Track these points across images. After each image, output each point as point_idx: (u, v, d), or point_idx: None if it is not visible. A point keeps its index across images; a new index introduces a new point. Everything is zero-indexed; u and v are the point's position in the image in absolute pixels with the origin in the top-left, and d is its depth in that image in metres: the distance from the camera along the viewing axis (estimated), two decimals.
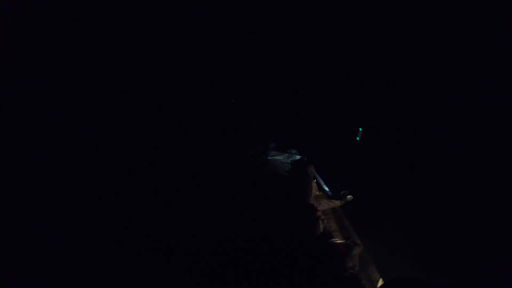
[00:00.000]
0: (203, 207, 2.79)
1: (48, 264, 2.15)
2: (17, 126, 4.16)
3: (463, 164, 2.77)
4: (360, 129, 3.34)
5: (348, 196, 3.04)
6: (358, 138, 3.40)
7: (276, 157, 3.51)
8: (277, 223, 2.56)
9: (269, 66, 4.55)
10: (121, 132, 4.14)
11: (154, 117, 4.16)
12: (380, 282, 2.49)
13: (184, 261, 2.27)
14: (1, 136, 3.92)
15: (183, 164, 3.51)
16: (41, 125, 4.18)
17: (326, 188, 3.21)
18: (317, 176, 3.34)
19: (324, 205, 3.00)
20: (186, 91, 4.55)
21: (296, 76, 4.38)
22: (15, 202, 2.76)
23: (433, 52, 2.99)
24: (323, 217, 2.81)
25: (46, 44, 4.32)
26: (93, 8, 4.26)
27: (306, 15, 4.01)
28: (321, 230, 2.64)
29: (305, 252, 2.28)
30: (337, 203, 3.03)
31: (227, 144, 3.86)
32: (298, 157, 3.55)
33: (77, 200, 2.86)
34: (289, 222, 2.58)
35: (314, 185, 3.16)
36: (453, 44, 2.82)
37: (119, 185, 3.07)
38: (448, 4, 2.66)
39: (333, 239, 2.61)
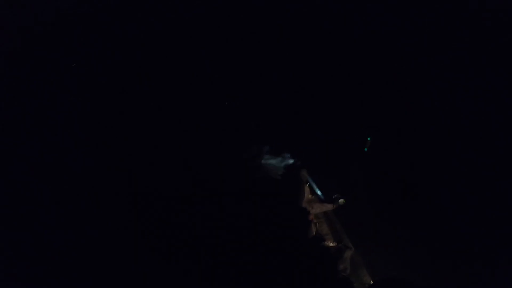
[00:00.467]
0: (202, 207, 2.79)
1: (48, 264, 2.15)
2: (17, 126, 4.16)
3: (463, 164, 2.77)
4: (369, 139, 3.36)
5: (340, 200, 3.09)
6: (366, 149, 3.44)
7: (270, 161, 3.55)
8: (270, 226, 2.56)
9: (269, 66, 4.54)
10: (121, 132, 4.14)
11: (154, 117, 4.16)
12: None
13: (184, 261, 2.27)
14: (1, 136, 3.92)
15: (183, 164, 3.51)
16: (41, 125, 4.18)
17: (319, 192, 3.25)
18: (310, 180, 3.38)
19: (317, 208, 3.04)
20: (186, 91, 4.55)
21: (296, 76, 4.38)
22: (15, 202, 2.76)
23: (433, 52, 2.99)
24: (315, 221, 2.84)
25: (46, 44, 4.32)
26: (93, 8, 4.27)
27: (306, 15, 4.02)
28: (314, 233, 2.66)
29: (297, 255, 2.29)
30: (329, 206, 3.07)
31: (227, 145, 3.86)
32: (291, 161, 3.58)
33: (77, 200, 2.86)
34: (282, 225, 2.58)
35: (306, 189, 3.20)
36: (453, 44, 2.82)
37: (119, 185, 3.07)
38: (447, 4, 2.67)
39: (325, 242, 2.64)
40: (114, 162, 3.53)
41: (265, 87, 4.59)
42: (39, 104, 4.28)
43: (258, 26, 4.46)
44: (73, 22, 4.25)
